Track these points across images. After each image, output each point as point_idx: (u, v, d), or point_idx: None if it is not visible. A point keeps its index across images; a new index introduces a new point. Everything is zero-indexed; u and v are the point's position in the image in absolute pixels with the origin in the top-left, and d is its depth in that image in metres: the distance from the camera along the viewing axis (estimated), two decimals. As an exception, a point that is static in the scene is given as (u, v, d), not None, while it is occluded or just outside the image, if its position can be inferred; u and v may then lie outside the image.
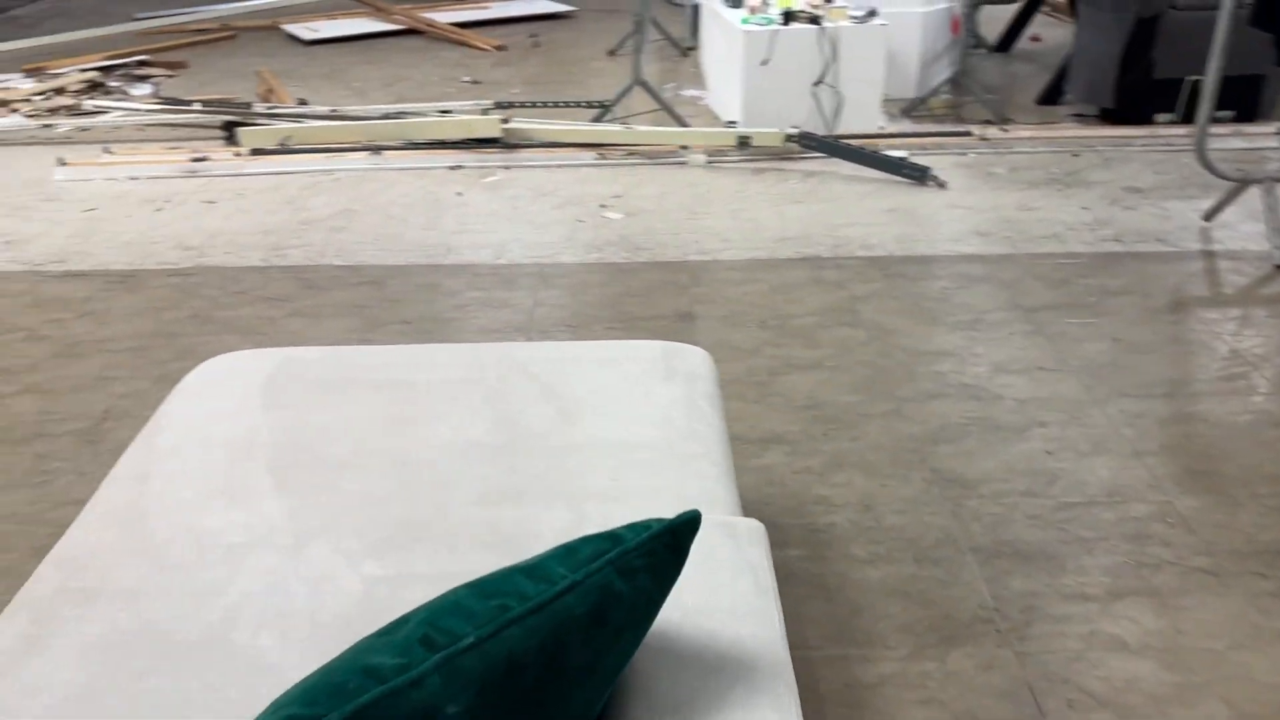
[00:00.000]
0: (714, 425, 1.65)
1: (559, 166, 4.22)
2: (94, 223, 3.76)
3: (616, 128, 4.36)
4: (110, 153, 4.39)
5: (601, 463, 1.51)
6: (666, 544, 0.82)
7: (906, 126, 4.62)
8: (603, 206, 3.82)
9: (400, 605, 1.26)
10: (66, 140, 4.66)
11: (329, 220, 3.74)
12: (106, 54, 6.00)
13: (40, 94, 5.18)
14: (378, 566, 1.32)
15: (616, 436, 1.58)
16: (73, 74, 5.51)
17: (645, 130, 4.30)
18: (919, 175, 3.98)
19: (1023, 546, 2.09)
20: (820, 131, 4.37)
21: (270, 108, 4.81)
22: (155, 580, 1.30)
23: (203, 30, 6.82)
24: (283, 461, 1.53)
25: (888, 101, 4.74)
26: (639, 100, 4.77)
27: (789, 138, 4.18)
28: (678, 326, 2.95)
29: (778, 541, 2.11)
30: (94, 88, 5.41)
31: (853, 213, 3.74)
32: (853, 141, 4.22)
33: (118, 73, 5.66)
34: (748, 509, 2.18)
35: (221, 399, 1.70)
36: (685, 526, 0.83)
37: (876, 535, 2.12)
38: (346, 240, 3.56)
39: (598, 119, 4.61)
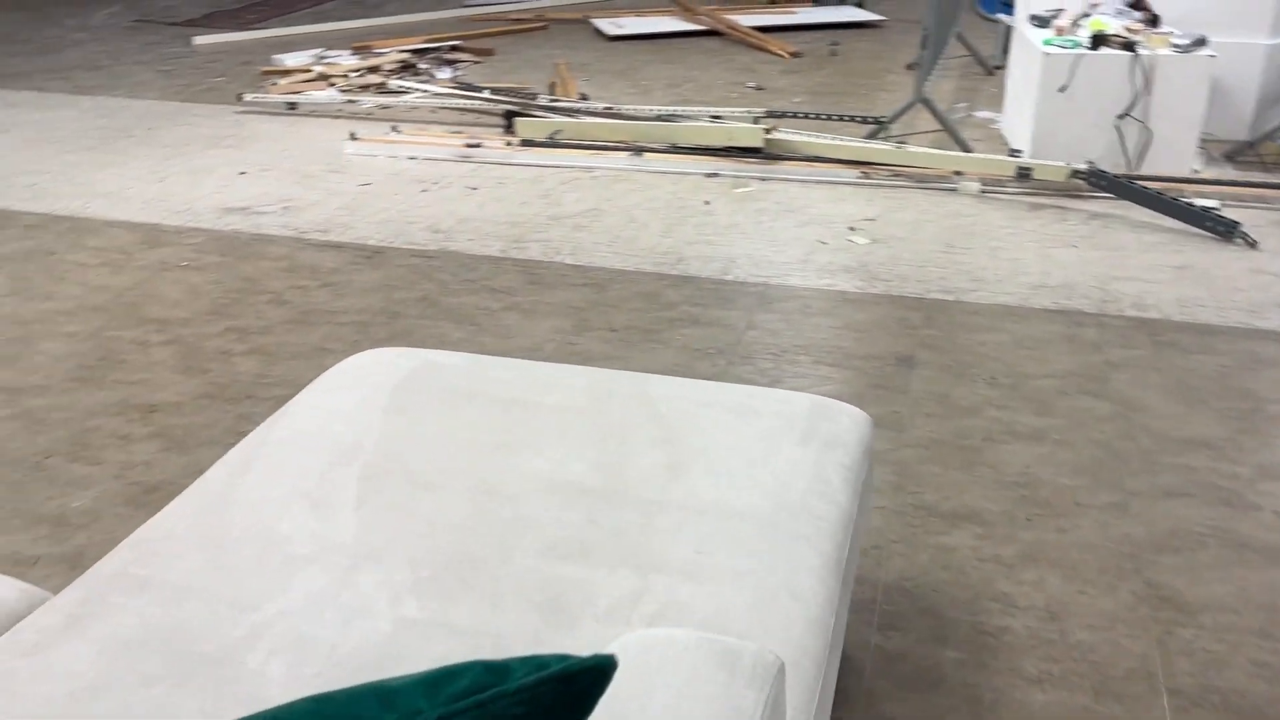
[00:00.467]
0: (839, 504, 1.44)
1: (817, 183, 4.03)
2: (365, 197, 3.96)
3: (887, 146, 4.10)
4: (397, 131, 4.63)
5: (691, 528, 1.36)
6: (558, 692, 0.67)
7: (1226, 173, 4.05)
8: (850, 229, 3.60)
9: (419, 658, 1.17)
10: (367, 116, 4.97)
11: (575, 218, 3.74)
12: (426, 37, 6.38)
13: (356, 71, 5.57)
14: (416, 608, 1.24)
15: (719, 500, 1.41)
16: (391, 54, 5.89)
17: (915, 151, 4.02)
18: (1225, 230, 3.47)
19: (1238, 699, 1.72)
20: (1119, 170, 3.91)
21: (552, 100, 4.91)
22: (205, 581, 1.29)
23: (519, 20, 7.11)
24: (375, 472, 1.48)
25: (1208, 142, 4.19)
26: (924, 119, 4.48)
27: (1076, 173, 3.77)
28: (891, 371, 2.71)
29: (936, 638, 1.85)
30: (405, 68, 5.75)
31: (1133, 265, 3.30)
32: (1153, 184, 3.74)
33: (430, 56, 5.99)
34: (911, 594, 1.94)
35: (350, 396, 1.69)
36: (589, 674, 0.68)
37: (1056, 651, 1.82)
38: (584, 239, 3.55)
39: (871, 136, 4.37)
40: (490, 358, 1.81)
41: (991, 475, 2.30)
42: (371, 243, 3.55)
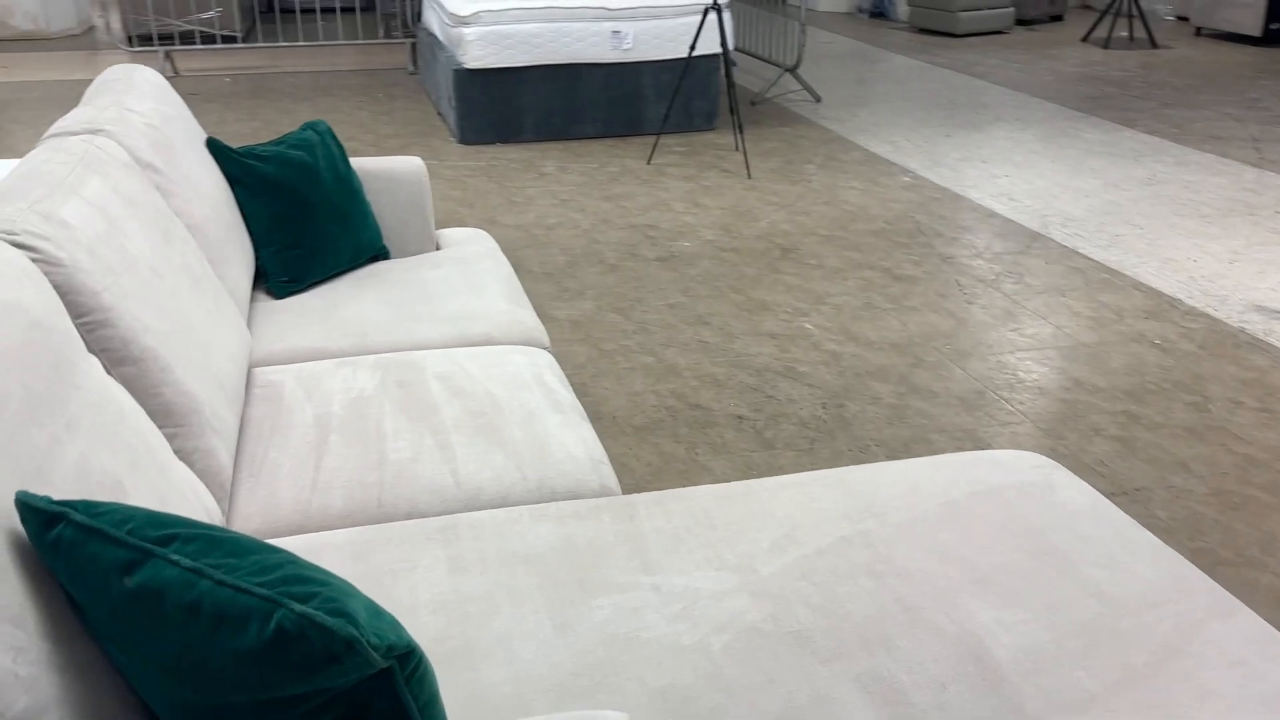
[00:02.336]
0: None
1: None
2: None
3: None
4: None
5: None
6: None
7: None
8: None
9: (666, 672, 1.26)
10: None
11: None
12: None
13: None
14: (695, 637, 1.30)
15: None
16: None
17: None
18: None
19: None
20: None
21: None
22: (673, 535, 1.52)
23: None
24: (875, 541, 1.50)
25: None
26: None
27: None
28: None
29: None
30: None
31: None
32: None
33: None
34: None
35: (952, 474, 1.67)
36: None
37: None
38: None
39: None
40: (1119, 514, 1.57)
41: None
42: (1373, 391, 2.97)
